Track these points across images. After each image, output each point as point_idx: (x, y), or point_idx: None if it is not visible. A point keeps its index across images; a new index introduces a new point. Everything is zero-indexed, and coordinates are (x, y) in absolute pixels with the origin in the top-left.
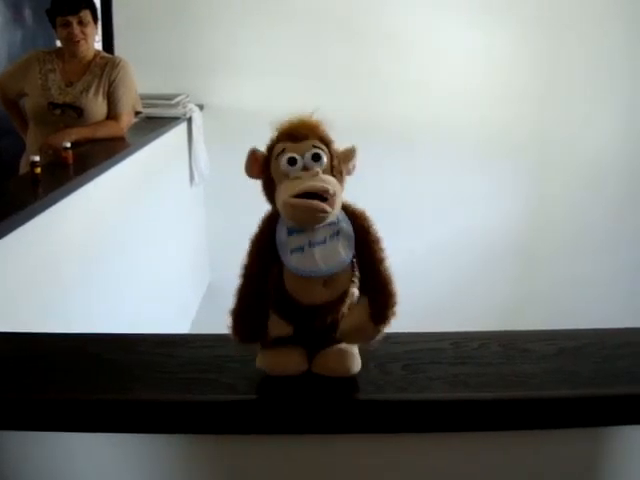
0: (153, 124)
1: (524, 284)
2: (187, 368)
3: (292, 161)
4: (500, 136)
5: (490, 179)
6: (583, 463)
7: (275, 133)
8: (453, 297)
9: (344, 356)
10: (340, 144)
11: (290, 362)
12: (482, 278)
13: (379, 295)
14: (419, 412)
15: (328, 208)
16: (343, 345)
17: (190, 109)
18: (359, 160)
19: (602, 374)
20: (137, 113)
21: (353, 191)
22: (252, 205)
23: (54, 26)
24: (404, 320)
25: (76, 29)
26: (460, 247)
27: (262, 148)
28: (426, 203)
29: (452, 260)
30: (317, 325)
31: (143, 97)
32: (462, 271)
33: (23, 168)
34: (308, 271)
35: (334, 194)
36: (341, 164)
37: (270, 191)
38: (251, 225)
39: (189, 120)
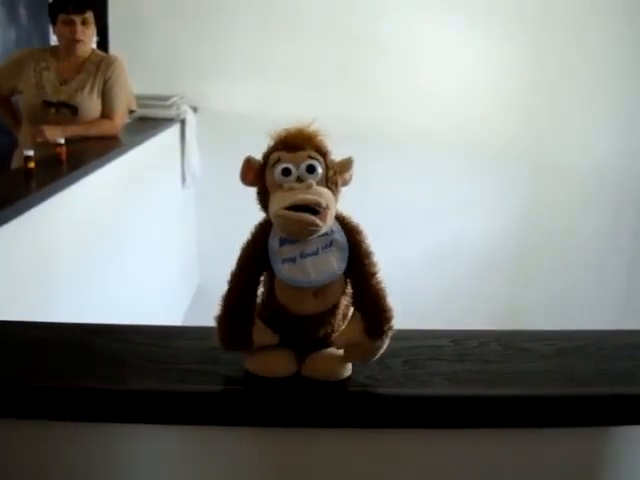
0: (146, 124)
1: (520, 291)
2: (181, 359)
3: (286, 172)
4: (497, 145)
5: (487, 187)
6: (581, 462)
7: (271, 141)
8: (448, 304)
9: (334, 360)
10: (335, 149)
11: (278, 365)
12: (478, 285)
13: (373, 310)
14: (418, 407)
15: (319, 222)
16: (333, 349)
17: (184, 111)
18: (356, 165)
19: (600, 374)
20: (131, 112)
21: (351, 197)
22: (243, 208)
23: (54, 22)
24: (403, 323)
25: (79, 29)
26: (456, 254)
27: (254, 153)
28: (423, 209)
29: (448, 267)
30: (308, 337)
31: (137, 97)
32: (458, 278)
33: (15, 165)
34: (298, 281)
35: (326, 207)
36: (337, 175)
37: (264, 200)
38: (241, 227)
39: (182, 122)
